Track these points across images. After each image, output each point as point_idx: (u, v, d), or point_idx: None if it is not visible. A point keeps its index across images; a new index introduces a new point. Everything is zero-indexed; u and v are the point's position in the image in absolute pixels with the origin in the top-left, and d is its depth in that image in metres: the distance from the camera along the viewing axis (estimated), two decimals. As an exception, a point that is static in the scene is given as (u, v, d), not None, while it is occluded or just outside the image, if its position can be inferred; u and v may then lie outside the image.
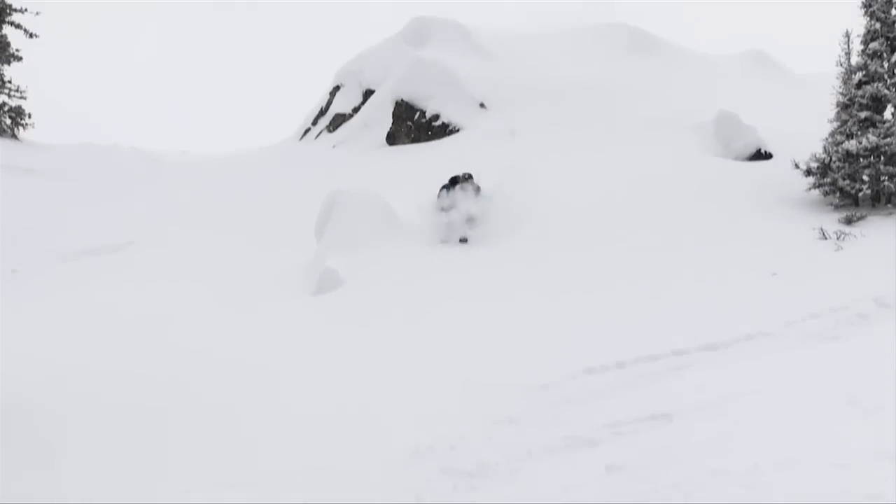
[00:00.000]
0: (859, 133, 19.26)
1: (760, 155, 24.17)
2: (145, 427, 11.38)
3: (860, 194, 19.17)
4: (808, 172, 19.50)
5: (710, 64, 36.68)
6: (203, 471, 9.81)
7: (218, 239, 23.34)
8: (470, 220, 19.00)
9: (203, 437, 10.94)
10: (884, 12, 19.41)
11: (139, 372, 13.59)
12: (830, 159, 19.23)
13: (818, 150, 19.77)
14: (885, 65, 19.49)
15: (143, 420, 11.63)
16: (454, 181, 19.51)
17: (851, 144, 18.97)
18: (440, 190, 19.56)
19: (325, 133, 39.65)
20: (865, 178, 19.17)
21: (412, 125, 33.60)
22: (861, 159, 18.98)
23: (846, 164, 19.08)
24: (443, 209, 19.08)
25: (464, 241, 18.86)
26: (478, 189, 19.42)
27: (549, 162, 23.32)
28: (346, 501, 8.43)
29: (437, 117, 32.88)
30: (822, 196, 19.45)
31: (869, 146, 18.80)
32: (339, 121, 39.32)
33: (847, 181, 19.02)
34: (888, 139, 18.75)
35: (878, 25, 19.44)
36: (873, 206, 19.11)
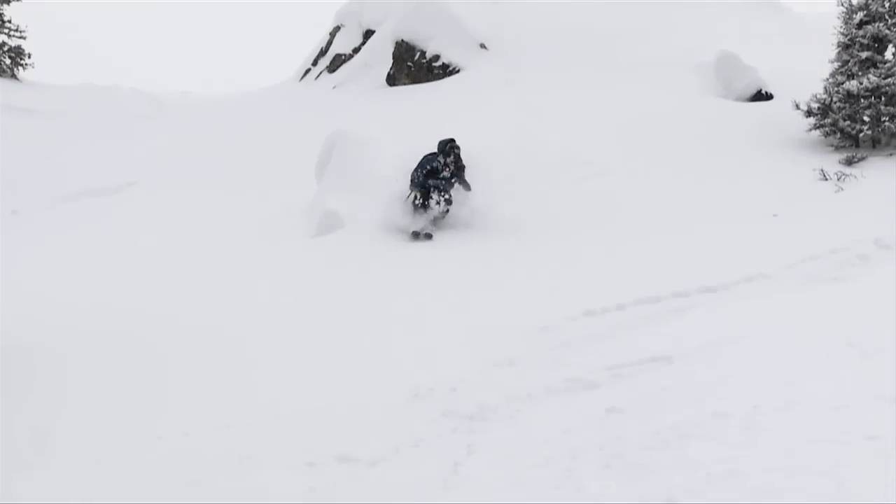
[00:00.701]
0: (860, 73, 19.21)
1: (761, 95, 24.11)
2: (149, 363, 11.43)
3: (861, 135, 19.15)
4: (809, 113, 19.47)
5: (711, 3, 36.42)
6: (203, 410, 9.83)
7: (219, 180, 23.30)
8: (437, 220, 17.02)
9: (205, 375, 10.97)
10: (886, -50, 19.31)
11: (143, 309, 13.68)
12: (831, 100, 19.20)
13: (819, 90, 19.73)
14: (887, 4, 19.43)
15: (146, 356, 11.69)
16: (439, 152, 17.14)
17: (852, 85, 18.92)
18: (415, 170, 17.05)
19: (325, 74, 39.45)
20: (866, 118, 19.15)
21: (412, 66, 33.43)
22: (862, 100, 18.94)
23: (847, 105, 19.05)
24: (415, 205, 16.96)
25: (428, 236, 16.73)
26: (458, 162, 17.14)
27: (548, 103, 23.22)
28: (345, 443, 8.45)
29: (437, 58, 32.70)
30: (823, 137, 19.43)
31: (870, 86, 18.77)
32: (339, 61, 39.10)
33: (847, 122, 19.00)
34: (889, 79, 18.72)
35: (880, -36, 19.35)
36: (874, 146, 19.09)
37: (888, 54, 19.54)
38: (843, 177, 16.94)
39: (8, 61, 41.91)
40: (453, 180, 17.14)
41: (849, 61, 19.47)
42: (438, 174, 17.05)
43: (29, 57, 42.37)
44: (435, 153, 17.17)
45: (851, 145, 19.13)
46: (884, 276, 11.13)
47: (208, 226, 18.87)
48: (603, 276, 13.32)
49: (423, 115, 24.14)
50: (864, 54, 19.23)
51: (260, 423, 9.38)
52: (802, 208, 15.65)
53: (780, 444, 5.93)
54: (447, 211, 17.00)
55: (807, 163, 18.03)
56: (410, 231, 16.73)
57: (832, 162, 18.04)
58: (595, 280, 13.18)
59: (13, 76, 41.87)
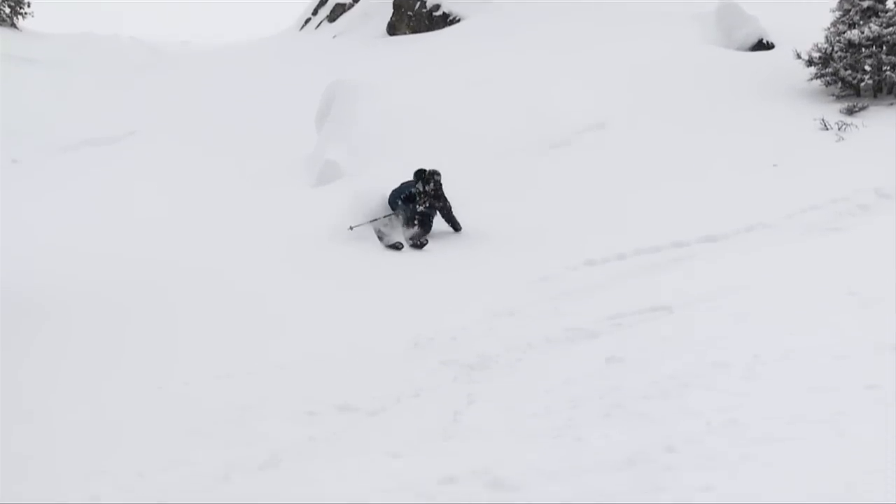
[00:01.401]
0: (861, 22, 19.08)
1: (762, 45, 23.93)
2: (155, 311, 11.53)
3: (862, 84, 19.05)
4: (810, 62, 19.36)
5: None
6: (206, 362, 9.89)
7: (219, 130, 23.29)
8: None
9: (209, 326, 11.05)
10: None
11: (144, 256, 13.78)
12: (832, 49, 19.08)
13: (820, 39, 19.59)
14: (890, -48, 19.27)
15: (148, 302, 11.77)
16: (417, 180, 15.74)
17: (853, 34, 18.80)
18: (393, 193, 15.78)
19: (325, 23, 39.39)
20: (867, 68, 19.03)
21: (413, 15, 33.34)
22: (863, 49, 18.82)
23: (848, 54, 18.93)
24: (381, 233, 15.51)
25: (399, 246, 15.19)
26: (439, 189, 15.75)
27: (548, 55, 23.13)
28: (346, 393, 8.46)
29: (437, 7, 32.61)
30: (824, 86, 19.33)
31: (871, 36, 18.65)
32: (339, 11, 39.02)
33: (849, 71, 18.89)
34: (890, 28, 18.58)
35: None
36: (875, 96, 18.99)
37: (890, 3, 19.39)
38: (843, 126, 16.87)
39: (7, 10, 41.70)
40: (433, 209, 15.74)
41: (850, 10, 19.34)
42: (414, 203, 15.66)
43: (28, 6, 42.15)
44: (412, 181, 15.85)
45: (852, 95, 19.04)
46: (884, 225, 11.10)
47: (209, 176, 18.89)
48: (601, 230, 13.32)
49: (422, 66, 24.07)
50: (866, 3, 19.10)
51: (260, 371, 9.43)
52: (803, 158, 15.60)
53: (781, 393, 5.94)
54: (412, 243, 15.21)
55: (808, 112, 17.95)
56: (386, 245, 15.26)
57: (833, 111, 17.95)
58: (594, 233, 13.19)
59: (13, 25, 41.68)
